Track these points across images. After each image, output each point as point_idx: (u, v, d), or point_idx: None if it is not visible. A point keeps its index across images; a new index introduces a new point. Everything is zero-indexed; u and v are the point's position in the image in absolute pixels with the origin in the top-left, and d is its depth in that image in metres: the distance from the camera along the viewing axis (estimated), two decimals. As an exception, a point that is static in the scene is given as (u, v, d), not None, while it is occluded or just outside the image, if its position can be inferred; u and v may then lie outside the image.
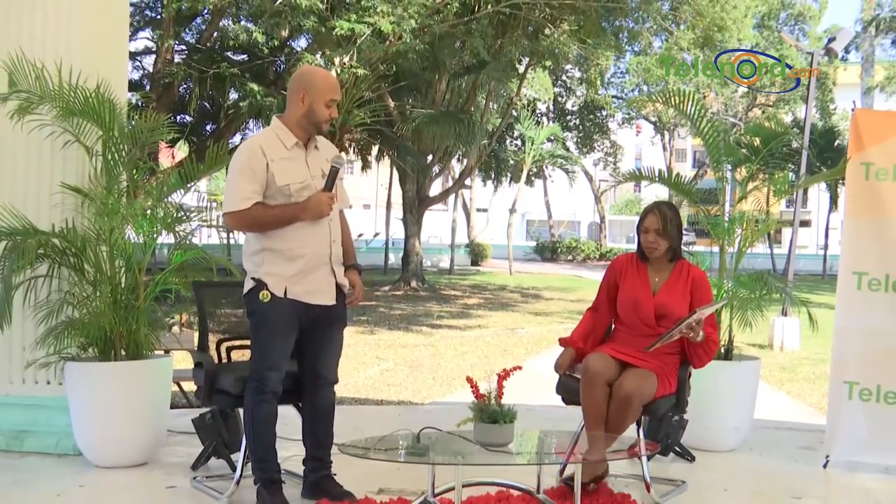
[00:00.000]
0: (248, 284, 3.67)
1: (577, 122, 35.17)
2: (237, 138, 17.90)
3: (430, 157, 21.52)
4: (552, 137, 32.88)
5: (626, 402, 3.85)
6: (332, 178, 3.64)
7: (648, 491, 3.96)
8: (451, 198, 30.87)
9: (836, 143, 30.55)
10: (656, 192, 39.07)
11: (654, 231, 4.12)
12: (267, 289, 3.58)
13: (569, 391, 4.11)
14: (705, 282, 4.25)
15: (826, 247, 34.75)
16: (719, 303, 4.49)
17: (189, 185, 4.86)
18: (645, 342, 4.03)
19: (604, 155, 37.41)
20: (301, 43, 17.04)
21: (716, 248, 5.38)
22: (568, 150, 35.66)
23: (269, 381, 3.65)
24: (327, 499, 3.73)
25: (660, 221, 4.10)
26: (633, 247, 4.37)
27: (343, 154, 3.66)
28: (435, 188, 25.16)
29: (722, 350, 5.19)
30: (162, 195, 4.78)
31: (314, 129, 3.67)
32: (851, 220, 4.89)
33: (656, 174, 5.73)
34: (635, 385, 3.87)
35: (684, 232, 4.29)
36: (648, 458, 4.51)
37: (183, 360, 7.19)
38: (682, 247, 4.30)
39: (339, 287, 3.76)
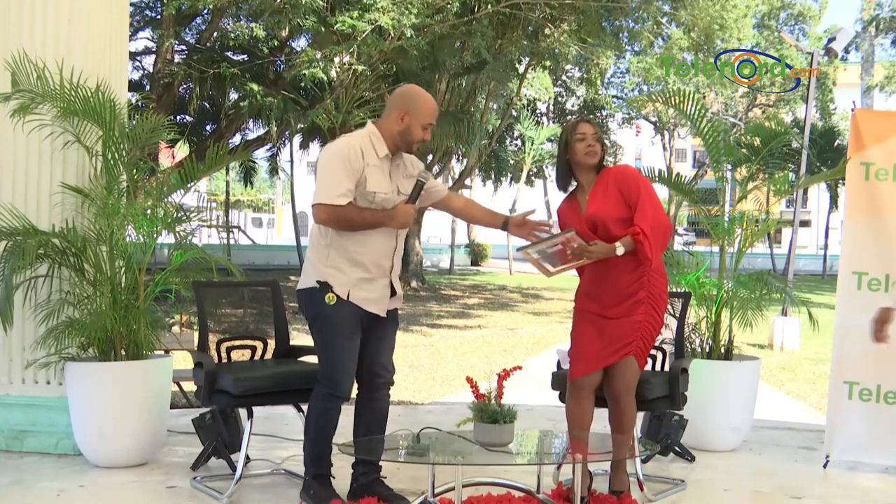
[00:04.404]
0: (308, 284, 3.65)
1: (578, 122, 35.11)
2: (237, 138, 17.90)
3: (429, 157, 21.52)
4: (552, 137, 32.87)
5: (617, 403, 3.85)
6: (417, 192, 3.72)
7: (641, 489, 3.97)
8: (451, 198, 30.81)
9: (836, 143, 30.57)
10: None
11: (591, 136, 3.91)
12: (332, 290, 3.58)
13: (563, 385, 4.05)
14: (627, 172, 3.99)
15: (826, 247, 34.78)
16: (565, 233, 3.79)
17: (189, 185, 4.87)
18: (604, 268, 3.83)
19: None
20: (301, 43, 17.03)
21: (716, 248, 5.38)
22: (568, 150, 35.56)
23: (342, 386, 3.64)
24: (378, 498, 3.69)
25: (594, 127, 3.97)
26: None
27: (428, 172, 3.70)
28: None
29: (722, 350, 5.20)
30: (162, 195, 4.78)
31: (405, 147, 3.75)
32: (851, 220, 4.88)
33: (656, 174, 5.72)
34: (621, 385, 3.83)
35: (684, 231, 4.26)
36: (647, 459, 4.52)
37: (183, 360, 7.20)
38: (683, 246, 4.23)
39: (394, 291, 3.76)
